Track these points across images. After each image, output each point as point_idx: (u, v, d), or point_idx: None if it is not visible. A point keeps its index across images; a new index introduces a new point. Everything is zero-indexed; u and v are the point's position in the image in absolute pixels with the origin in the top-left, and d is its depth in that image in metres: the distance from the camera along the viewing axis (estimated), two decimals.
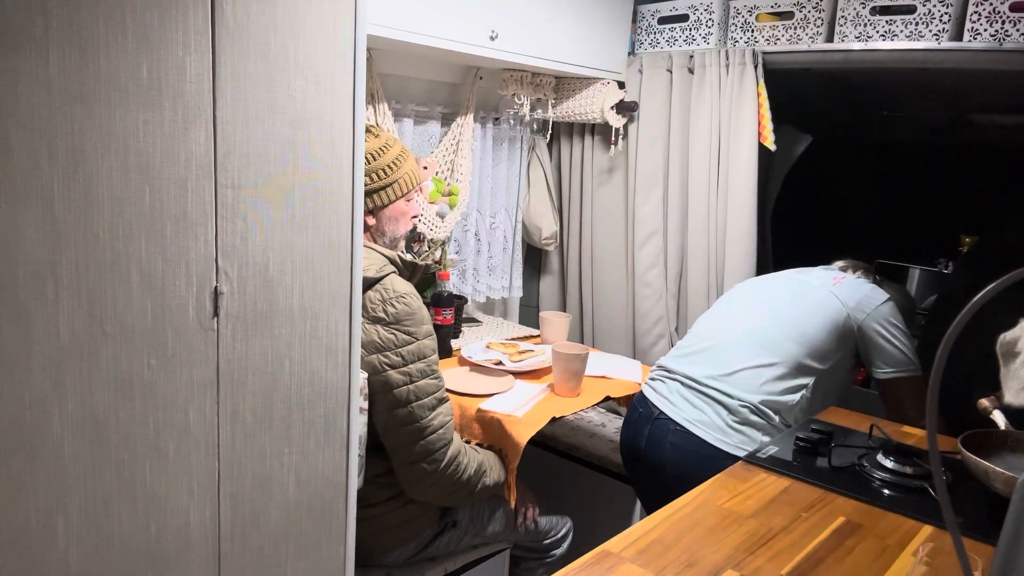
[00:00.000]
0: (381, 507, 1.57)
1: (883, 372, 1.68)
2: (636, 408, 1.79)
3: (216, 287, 1.09)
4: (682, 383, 1.72)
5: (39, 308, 0.93)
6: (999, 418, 1.32)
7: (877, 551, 1.10)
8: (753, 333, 1.71)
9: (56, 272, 0.94)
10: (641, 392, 1.82)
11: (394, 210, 1.64)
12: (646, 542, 1.09)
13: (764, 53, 2.20)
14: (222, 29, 1.03)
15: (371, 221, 1.61)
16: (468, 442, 1.72)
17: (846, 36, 2.06)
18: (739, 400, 1.62)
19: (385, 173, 1.59)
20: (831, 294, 1.71)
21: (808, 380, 1.65)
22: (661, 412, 1.69)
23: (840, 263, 1.87)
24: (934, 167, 3.14)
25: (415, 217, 1.72)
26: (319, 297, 1.22)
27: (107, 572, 1.05)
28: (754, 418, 1.61)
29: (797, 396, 1.64)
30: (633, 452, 1.76)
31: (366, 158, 1.49)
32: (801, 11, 2.14)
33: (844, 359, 1.70)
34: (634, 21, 2.47)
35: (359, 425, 1.35)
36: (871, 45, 2.01)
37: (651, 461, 1.69)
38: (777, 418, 1.62)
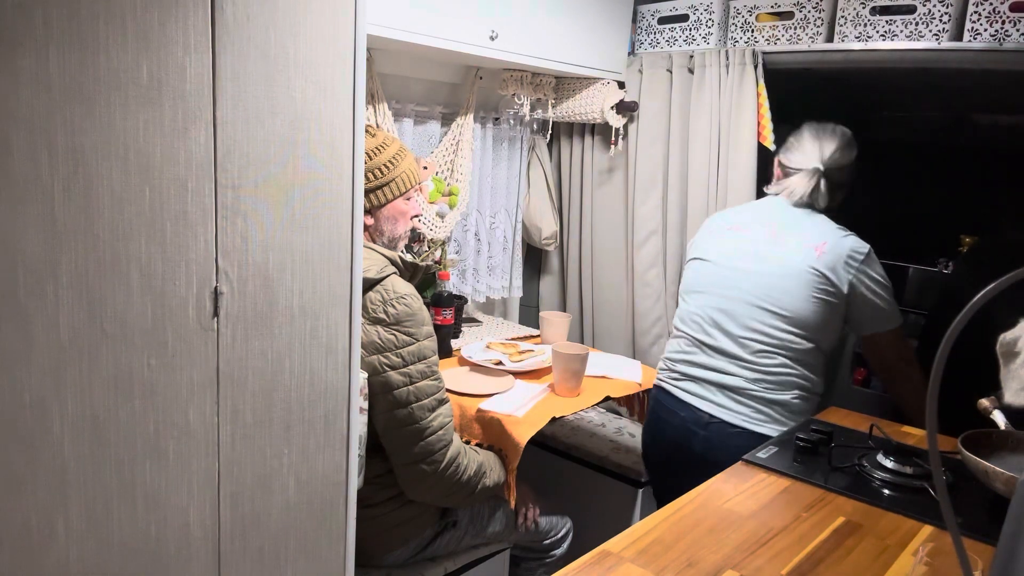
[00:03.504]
0: (381, 507, 1.57)
1: (871, 329, 1.74)
2: (675, 412, 1.80)
3: (216, 287, 1.09)
4: (719, 385, 1.74)
5: (39, 308, 0.93)
6: (999, 418, 1.32)
7: (877, 551, 1.10)
8: (761, 337, 1.71)
9: (56, 272, 0.94)
10: (671, 394, 1.82)
11: (392, 209, 1.63)
12: (646, 542, 1.09)
13: (764, 53, 2.20)
14: (222, 29, 1.03)
15: (369, 221, 1.60)
16: (468, 442, 1.72)
17: (846, 36, 2.06)
18: (781, 400, 1.69)
19: (382, 172, 1.59)
20: (817, 273, 1.67)
21: (821, 356, 1.73)
22: (713, 416, 1.72)
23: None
24: (934, 167, 3.14)
25: (415, 217, 1.72)
26: (319, 297, 1.22)
27: (107, 572, 1.05)
28: (798, 403, 1.70)
29: (817, 374, 1.73)
30: (681, 456, 1.77)
31: None
32: (801, 11, 2.14)
33: (839, 321, 1.75)
34: (634, 21, 2.47)
35: (359, 425, 1.35)
36: (871, 45, 2.01)
37: (710, 465, 1.65)
38: (817, 397, 1.73)
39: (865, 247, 1.69)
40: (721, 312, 1.78)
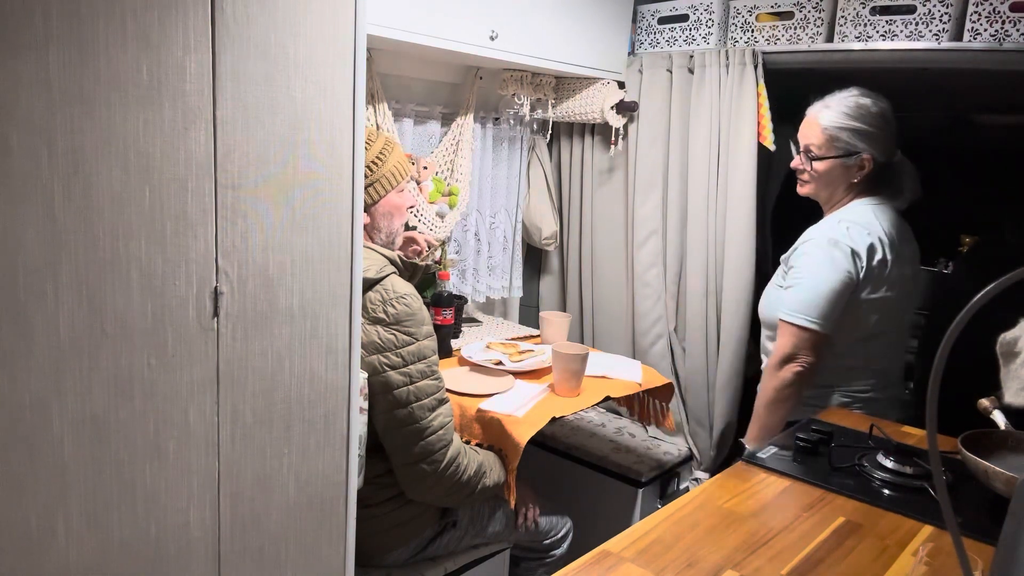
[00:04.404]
0: (381, 507, 1.57)
1: None
2: None
3: (216, 287, 1.09)
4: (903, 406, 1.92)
5: (39, 308, 0.93)
6: (999, 418, 1.32)
7: (877, 551, 1.10)
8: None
9: (56, 272, 0.94)
10: None
11: (387, 204, 1.63)
12: (646, 542, 1.09)
13: (764, 53, 2.20)
14: (222, 29, 1.03)
15: (366, 219, 1.61)
16: (468, 442, 1.72)
17: (846, 36, 2.06)
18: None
19: (371, 169, 1.59)
20: None
21: None
22: None
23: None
24: (933, 167, 3.14)
25: (410, 208, 1.72)
26: (319, 297, 1.22)
27: (107, 572, 1.05)
28: None
29: None
30: None
31: None
32: (801, 11, 2.14)
33: None
34: (634, 21, 2.47)
35: (359, 425, 1.35)
36: (871, 45, 2.01)
37: None
38: None
39: None
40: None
